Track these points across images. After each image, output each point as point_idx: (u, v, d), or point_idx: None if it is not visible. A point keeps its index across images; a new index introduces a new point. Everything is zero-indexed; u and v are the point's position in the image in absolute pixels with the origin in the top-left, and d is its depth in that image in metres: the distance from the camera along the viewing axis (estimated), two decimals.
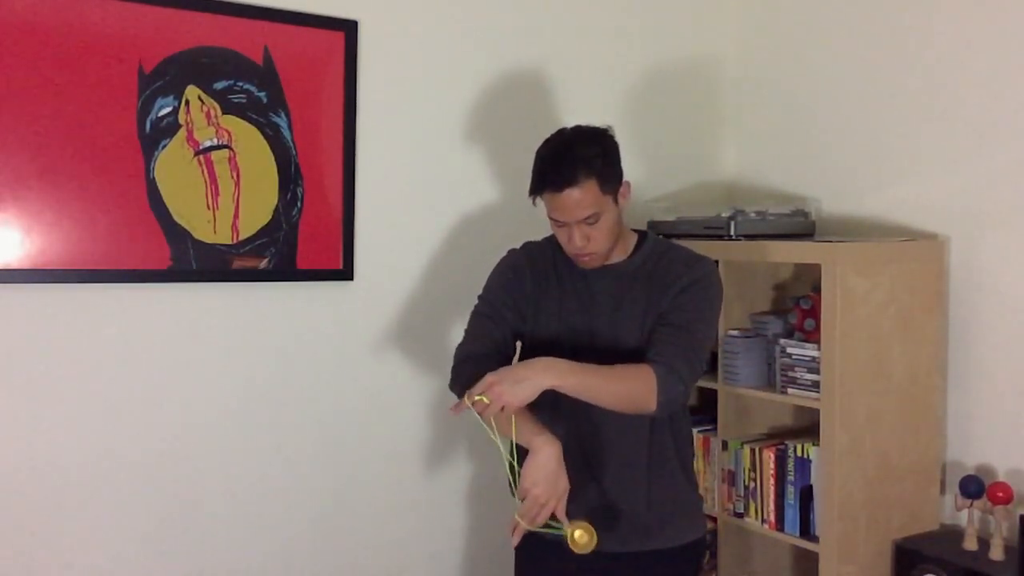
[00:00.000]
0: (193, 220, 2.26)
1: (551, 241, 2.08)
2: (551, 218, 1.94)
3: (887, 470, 2.36)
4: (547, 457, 1.83)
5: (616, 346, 1.96)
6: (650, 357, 1.86)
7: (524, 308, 2.04)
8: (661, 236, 2.17)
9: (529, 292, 2.05)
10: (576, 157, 1.87)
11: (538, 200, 1.95)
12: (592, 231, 1.91)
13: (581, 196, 1.86)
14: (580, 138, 1.93)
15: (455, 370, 2.00)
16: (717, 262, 2.56)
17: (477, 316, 2.07)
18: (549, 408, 1.90)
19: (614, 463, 1.99)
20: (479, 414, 1.78)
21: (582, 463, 1.97)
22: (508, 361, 2.00)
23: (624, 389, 1.83)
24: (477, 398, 1.76)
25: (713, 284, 1.99)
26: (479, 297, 2.10)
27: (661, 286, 1.96)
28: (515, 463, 1.85)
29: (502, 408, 1.76)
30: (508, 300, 2.04)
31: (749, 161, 3.11)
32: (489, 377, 1.78)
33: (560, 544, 1.85)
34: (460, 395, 1.89)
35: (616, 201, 1.94)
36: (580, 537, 1.83)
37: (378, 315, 2.54)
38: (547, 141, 1.96)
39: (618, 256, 2.02)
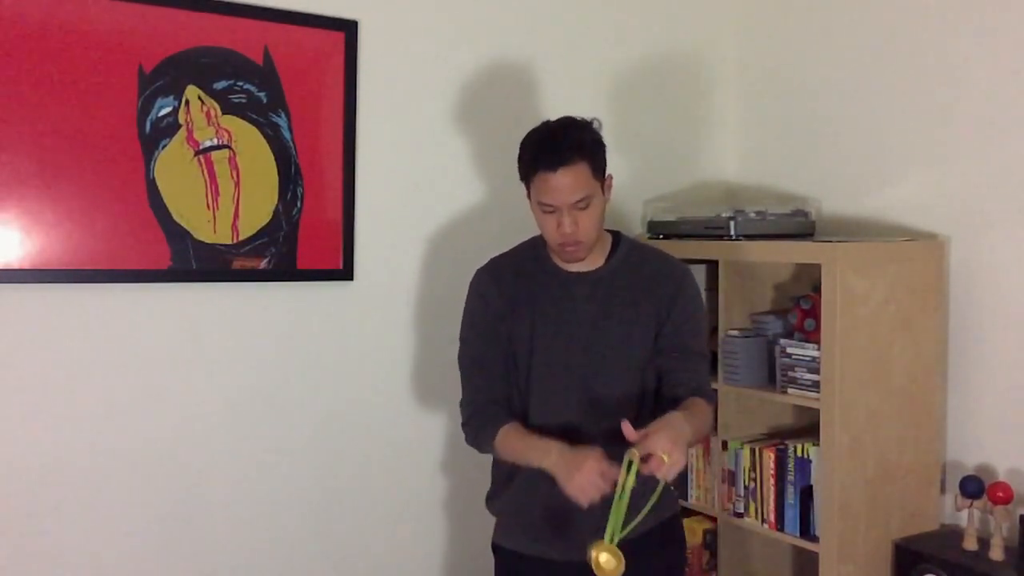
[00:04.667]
0: (193, 220, 2.26)
1: (527, 248, 2.07)
2: (540, 203, 1.91)
3: (887, 470, 2.36)
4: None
5: (607, 352, 1.96)
6: (694, 390, 1.94)
7: (504, 335, 2.00)
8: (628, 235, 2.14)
9: (505, 316, 2.00)
10: (571, 138, 1.88)
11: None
12: (582, 217, 1.89)
13: (575, 177, 1.85)
14: (571, 124, 1.93)
15: (477, 417, 1.97)
16: (716, 263, 2.58)
17: (471, 367, 2.02)
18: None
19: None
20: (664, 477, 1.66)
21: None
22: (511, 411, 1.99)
23: (700, 425, 1.88)
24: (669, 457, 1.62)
25: (698, 291, 2.07)
26: (461, 340, 2.05)
27: (651, 297, 1.99)
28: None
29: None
30: (491, 335, 2.00)
31: (749, 161, 3.11)
32: (651, 445, 1.66)
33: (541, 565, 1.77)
34: (490, 437, 1.91)
35: (603, 191, 1.94)
36: (607, 563, 1.59)
37: (378, 315, 2.54)
38: (534, 130, 1.95)
39: (597, 259, 2.01)
